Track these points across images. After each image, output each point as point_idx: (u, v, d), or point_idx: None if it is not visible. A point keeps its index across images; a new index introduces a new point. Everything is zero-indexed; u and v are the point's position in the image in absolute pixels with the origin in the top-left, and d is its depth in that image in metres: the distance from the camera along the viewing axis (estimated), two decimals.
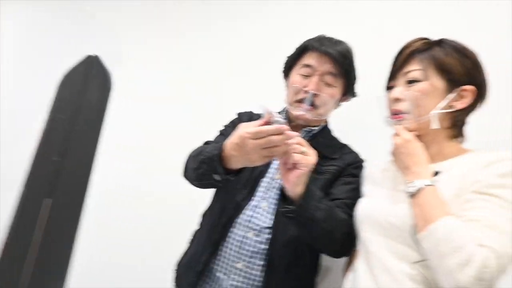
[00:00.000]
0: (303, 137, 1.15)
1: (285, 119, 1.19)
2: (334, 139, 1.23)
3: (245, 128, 0.84)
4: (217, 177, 0.94)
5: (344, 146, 1.22)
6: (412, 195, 0.79)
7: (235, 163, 0.91)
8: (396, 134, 0.89)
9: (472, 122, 0.93)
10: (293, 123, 1.16)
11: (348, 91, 1.19)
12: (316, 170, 1.10)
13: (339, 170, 1.11)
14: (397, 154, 0.89)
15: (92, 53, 0.74)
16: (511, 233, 0.69)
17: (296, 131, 1.16)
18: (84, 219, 0.67)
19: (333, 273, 1.30)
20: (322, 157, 1.13)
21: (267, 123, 0.84)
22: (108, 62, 0.74)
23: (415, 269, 0.77)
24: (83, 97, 0.68)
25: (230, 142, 0.89)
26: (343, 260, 1.07)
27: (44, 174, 0.68)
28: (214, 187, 1.12)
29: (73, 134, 0.62)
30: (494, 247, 0.66)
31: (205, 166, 0.97)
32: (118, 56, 0.74)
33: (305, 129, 1.17)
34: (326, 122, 1.24)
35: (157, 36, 2.20)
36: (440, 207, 0.74)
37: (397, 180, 0.90)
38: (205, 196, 1.25)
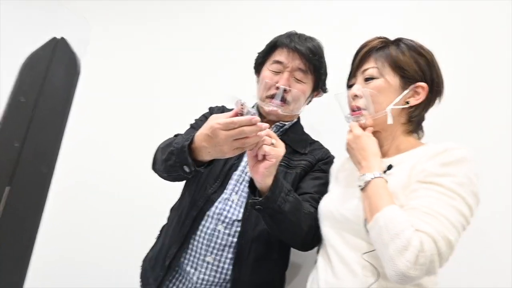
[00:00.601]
0: (274, 132, 1.17)
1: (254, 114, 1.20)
2: (305, 135, 1.26)
3: (216, 119, 0.83)
4: (186, 168, 0.93)
5: (315, 142, 1.25)
6: (362, 188, 0.82)
7: (206, 155, 0.90)
8: (349, 131, 0.92)
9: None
10: (265, 119, 1.18)
11: (319, 87, 1.21)
12: (287, 165, 1.11)
13: (309, 166, 1.14)
14: (349, 150, 0.93)
15: (59, 36, 0.71)
16: (450, 218, 0.71)
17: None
18: (46, 211, 0.64)
19: (303, 270, 1.33)
20: (293, 152, 1.15)
21: (238, 114, 0.84)
22: (76, 47, 0.72)
23: (366, 260, 0.80)
24: (47, 81, 0.64)
25: (201, 133, 0.88)
26: (313, 257, 1.09)
27: (5, 160, 0.64)
28: (183, 180, 1.11)
29: (36, 119, 0.59)
30: (430, 231, 0.68)
31: (174, 158, 0.95)
32: (86, 40, 0.71)
33: (277, 123, 1.19)
34: (297, 118, 1.26)
35: (128, 22, 2.13)
36: (385, 197, 0.76)
37: (353, 175, 0.93)
38: (174, 191, 1.24)
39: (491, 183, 1.19)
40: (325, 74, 1.21)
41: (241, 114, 0.83)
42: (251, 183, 0.94)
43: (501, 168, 1.21)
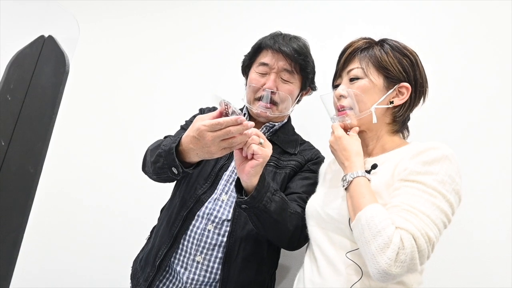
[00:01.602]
0: (264, 133, 1.18)
1: (244, 114, 1.22)
2: (295, 135, 1.27)
3: (201, 121, 0.83)
4: (175, 170, 0.93)
5: (305, 143, 1.27)
6: (346, 188, 0.83)
7: (194, 156, 0.90)
8: (332, 132, 0.93)
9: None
10: (255, 121, 1.18)
11: (307, 86, 1.22)
12: (276, 165, 1.12)
13: (299, 166, 1.15)
14: (332, 151, 0.93)
15: (48, 34, 0.70)
16: (431, 215, 0.72)
17: (258, 127, 1.19)
18: (33, 211, 0.64)
19: (293, 270, 1.34)
20: (283, 152, 1.16)
21: (223, 113, 0.84)
22: (65, 45, 0.71)
23: (350, 258, 0.81)
24: (34, 79, 0.63)
25: (187, 135, 0.88)
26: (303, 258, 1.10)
27: None
28: (173, 181, 1.11)
29: (22, 118, 0.58)
30: (410, 228, 0.69)
31: (162, 160, 0.95)
32: (75, 38, 0.70)
33: (266, 124, 1.19)
34: (288, 118, 1.27)
35: (118, 22, 2.12)
36: (368, 196, 0.77)
37: (339, 176, 0.95)
38: (164, 191, 1.24)
39: (481, 181, 1.22)
40: (313, 72, 1.22)
41: (226, 114, 0.84)
42: (238, 182, 0.95)
43: (488, 166, 1.24)
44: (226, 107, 0.83)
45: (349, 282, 0.79)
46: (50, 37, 0.70)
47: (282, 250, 1.18)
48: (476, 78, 1.32)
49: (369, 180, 0.82)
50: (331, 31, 1.59)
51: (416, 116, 1.00)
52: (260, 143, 0.87)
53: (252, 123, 0.84)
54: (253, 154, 0.87)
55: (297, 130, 1.30)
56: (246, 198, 0.91)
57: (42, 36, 0.70)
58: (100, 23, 2.12)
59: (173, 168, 0.93)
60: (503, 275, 1.13)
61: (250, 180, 0.90)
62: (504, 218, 1.17)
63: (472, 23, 1.38)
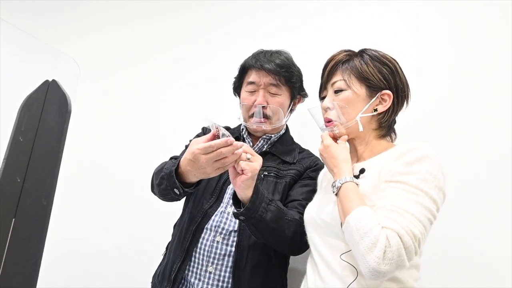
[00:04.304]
0: (263, 145, 1.24)
1: (242, 129, 1.28)
2: (293, 144, 1.31)
3: (196, 145, 0.91)
4: (177, 191, 1.01)
5: (304, 151, 1.31)
6: (336, 193, 0.86)
7: (192, 177, 0.98)
8: (321, 141, 0.97)
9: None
10: (254, 136, 1.27)
11: (296, 94, 1.27)
12: (277, 175, 1.17)
13: (298, 174, 1.19)
14: (322, 159, 0.97)
15: (50, 77, 0.79)
16: (415, 213, 0.74)
17: (256, 141, 1.24)
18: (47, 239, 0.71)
19: (301, 275, 1.37)
20: (282, 162, 1.21)
21: (215, 136, 0.91)
22: (66, 87, 0.79)
23: (345, 260, 0.84)
24: (42, 121, 0.71)
25: (184, 158, 0.96)
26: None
27: (10, 195, 0.71)
28: (178, 200, 1.18)
29: (34, 156, 0.66)
30: (395, 227, 0.72)
31: (165, 182, 1.04)
32: (76, 80, 0.78)
33: (264, 136, 1.25)
34: (285, 129, 1.32)
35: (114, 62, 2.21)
36: (356, 200, 0.80)
37: (331, 183, 0.98)
38: (176, 209, 1.30)
39: (477, 179, 1.24)
40: (299, 81, 1.27)
41: (218, 136, 0.90)
42: (235, 195, 1.00)
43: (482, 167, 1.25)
44: (217, 129, 0.90)
45: (346, 283, 0.81)
46: (53, 81, 0.78)
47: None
48: (464, 78, 1.34)
49: (357, 184, 0.85)
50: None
51: (404, 118, 1.03)
52: (248, 159, 0.93)
53: (242, 143, 0.91)
54: (242, 170, 0.93)
55: (296, 139, 1.34)
56: (242, 210, 0.96)
57: (46, 81, 0.79)
58: (97, 60, 2.22)
59: (175, 189, 1.01)
60: (503, 274, 1.14)
61: (244, 193, 0.95)
62: (491, 215, 1.19)
63: (461, 23, 1.40)
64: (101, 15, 2.30)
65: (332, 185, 0.88)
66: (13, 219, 0.64)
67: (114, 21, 2.27)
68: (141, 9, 2.18)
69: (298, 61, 1.28)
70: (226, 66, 1.30)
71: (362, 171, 0.90)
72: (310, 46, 1.62)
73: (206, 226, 1.12)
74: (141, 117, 2.03)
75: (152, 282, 1.24)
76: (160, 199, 1.15)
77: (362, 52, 1.00)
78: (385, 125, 0.98)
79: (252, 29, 1.83)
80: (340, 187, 0.85)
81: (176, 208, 1.30)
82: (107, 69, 2.19)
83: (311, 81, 1.27)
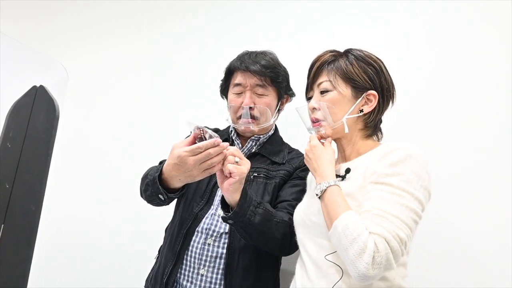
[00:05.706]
0: (252, 146, 1.25)
1: (231, 131, 1.29)
2: (283, 145, 1.32)
3: (180, 148, 0.91)
4: (161, 197, 1.03)
5: (293, 151, 1.31)
6: (320, 196, 0.86)
7: (177, 182, 0.99)
8: (309, 141, 0.98)
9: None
10: (243, 137, 1.27)
11: (283, 94, 1.28)
12: (266, 176, 1.18)
13: (288, 174, 1.20)
14: (306, 159, 0.97)
15: (38, 83, 0.79)
16: (400, 216, 0.75)
17: (245, 142, 1.26)
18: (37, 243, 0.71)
19: (293, 275, 1.37)
20: (272, 163, 1.22)
21: (197, 138, 0.92)
22: (54, 92, 0.79)
23: (330, 260, 0.84)
24: (30, 127, 0.72)
25: (168, 163, 0.96)
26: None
27: None
28: (163, 205, 1.18)
29: (22, 162, 0.66)
30: (382, 232, 0.72)
31: (150, 188, 1.04)
32: (64, 85, 0.78)
33: (252, 137, 1.26)
34: (274, 129, 1.33)
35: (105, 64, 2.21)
36: (341, 204, 0.80)
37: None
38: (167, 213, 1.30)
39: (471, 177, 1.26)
40: (285, 81, 1.27)
41: (200, 138, 0.91)
42: (223, 199, 1.00)
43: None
44: (202, 132, 0.90)
45: (332, 281, 0.82)
46: (41, 86, 0.79)
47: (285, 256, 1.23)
48: (450, 76, 1.36)
49: (340, 188, 0.85)
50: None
51: (390, 116, 1.05)
52: (236, 162, 0.93)
53: (227, 144, 0.92)
54: (230, 173, 0.93)
55: (285, 139, 1.34)
56: (230, 214, 0.96)
57: (34, 87, 0.79)
58: (85, 67, 2.21)
59: (159, 195, 1.03)
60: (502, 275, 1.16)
61: (232, 197, 0.96)
62: (486, 214, 1.21)
63: (439, 25, 1.42)
64: (89, 20, 2.30)
65: (316, 187, 0.88)
66: (2, 225, 0.64)
67: (103, 25, 2.26)
68: (130, 13, 2.18)
69: (298, 61, 1.28)
70: (222, 67, 1.30)
71: (347, 170, 0.91)
72: (310, 46, 1.62)
73: (197, 228, 1.12)
74: (131, 121, 2.03)
75: (145, 286, 1.24)
76: (149, 203, 1.15)
77: (347, 52, 1.00)
78: (371, 125, 0.98)
79: (245, 32, 1.84)
80: (325, 190, 0.85)
81: (170, 210, 1.30)
82: (96, 73, 2.19)
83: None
